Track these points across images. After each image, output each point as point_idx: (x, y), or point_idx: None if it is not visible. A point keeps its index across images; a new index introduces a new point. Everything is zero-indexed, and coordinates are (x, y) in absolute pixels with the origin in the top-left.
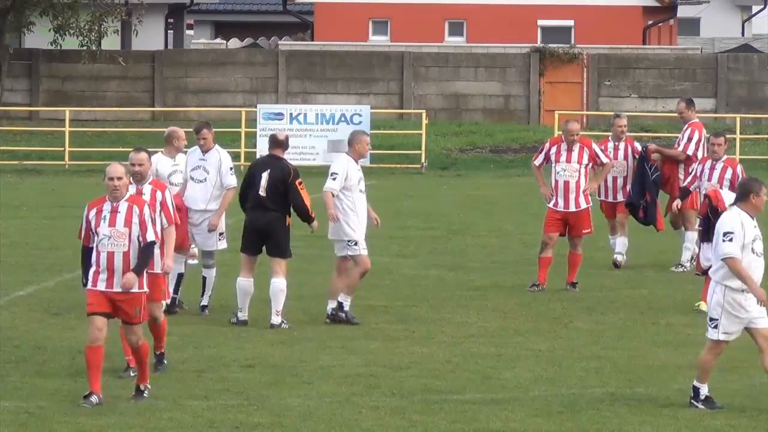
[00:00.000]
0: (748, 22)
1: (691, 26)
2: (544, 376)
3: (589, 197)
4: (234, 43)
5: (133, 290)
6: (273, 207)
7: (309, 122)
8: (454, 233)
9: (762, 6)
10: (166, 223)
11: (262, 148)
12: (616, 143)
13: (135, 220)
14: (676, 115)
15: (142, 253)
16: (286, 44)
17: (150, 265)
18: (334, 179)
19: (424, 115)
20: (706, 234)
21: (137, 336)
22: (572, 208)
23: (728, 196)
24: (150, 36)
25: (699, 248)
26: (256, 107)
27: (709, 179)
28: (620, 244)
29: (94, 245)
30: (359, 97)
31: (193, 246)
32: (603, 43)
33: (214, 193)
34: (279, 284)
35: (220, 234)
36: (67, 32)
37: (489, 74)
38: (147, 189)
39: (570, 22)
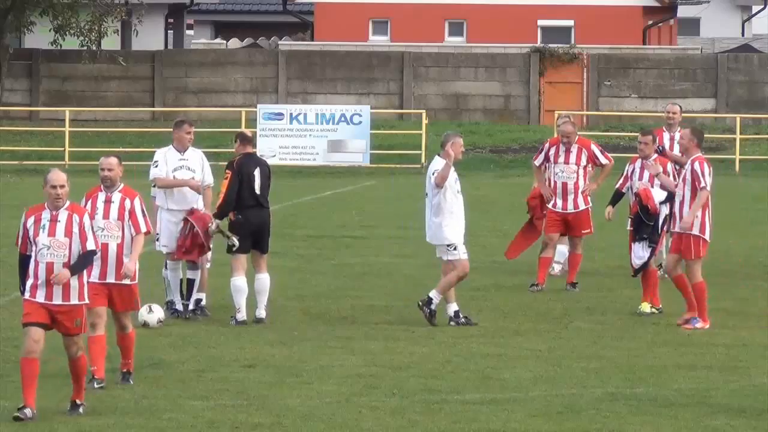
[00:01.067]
0: (748, 22)
1: (691, 26)
2: (544, 376)
3: (588, 198)
4: (234, 43)
5: (72, 302)
6: (267, 204)
7: (309, 122)
8: None
9: (762, 6)
10: (133, 231)
11: (263, 149)
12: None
13: (75, 229)
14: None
15: (81, 258)
16: (286, 44)
17: (118, 276)
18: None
19: (424, 115)
20: (637, 233)
21: (77, 346)
22: (571, 209)
23: (659, 194)
24: (150, 36)
25: (630, 249)
26: (256, 107)
27: (640, 178)
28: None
29: (33, 255)
30: (359, 97)
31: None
32: (603, 43)
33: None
34: (267, 280)
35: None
36: (67, 32)
37: (489, 74)
38: (116, 197)
39: (570, 22)
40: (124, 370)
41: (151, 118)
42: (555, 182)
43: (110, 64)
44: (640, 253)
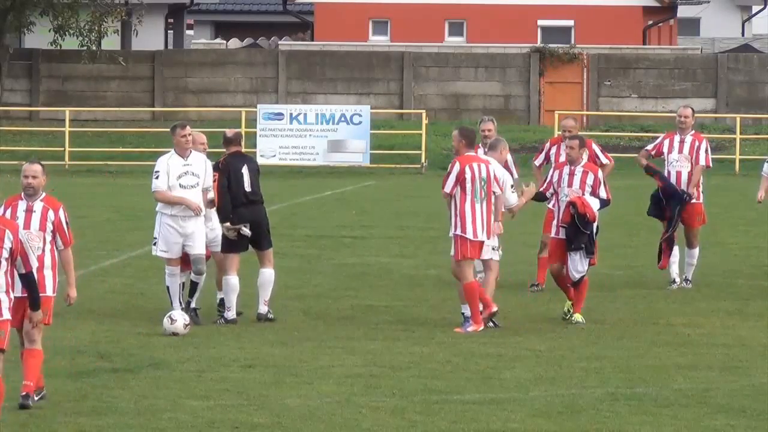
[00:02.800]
0: (748, 22)
1: (691, 26)
2: (544, 376)
3: None
4: (234, 43)
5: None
6: (259, 199)
7: (309, 122)
8: None
9: (762, 6)
10: (62, 245)
11: (263, 149)
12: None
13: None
14: (675, 115)
15: (28, 287)
16: (286, 44)
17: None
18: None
19: (424, 115)
20: (573, 243)
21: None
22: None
23: (594, 202)
24: (150, 36)
25: (550, 256)
26: (256, 107)
27: (570, 185)
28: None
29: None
30: (359, 97)
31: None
32: (603, 43)
33: (202, 196)
34: (270, 275)
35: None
36: (67, 32)
37: (489, 74)
38: (38, 206)
39: (570, 22)
40: (24, 393)
41: (151, 118)
42: None
43: (110, 64)
44: (579, 266)
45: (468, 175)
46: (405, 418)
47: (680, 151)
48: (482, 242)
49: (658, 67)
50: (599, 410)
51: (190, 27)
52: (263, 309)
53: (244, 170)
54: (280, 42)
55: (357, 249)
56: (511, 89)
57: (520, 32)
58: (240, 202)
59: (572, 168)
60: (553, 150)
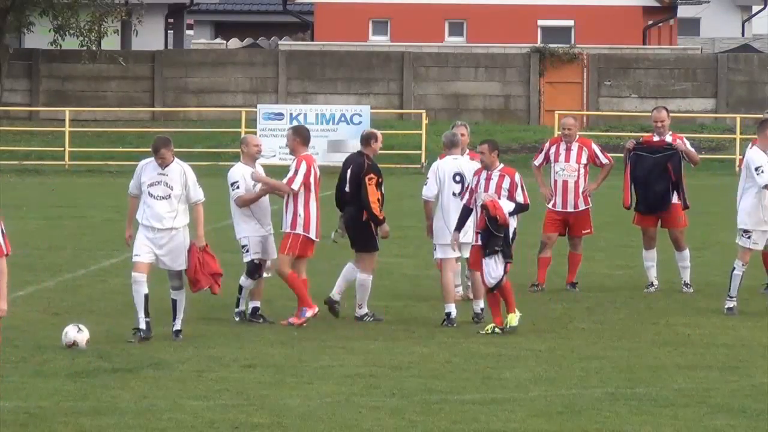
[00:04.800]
0: (748, 22)
1: (691, 26)
2: (544, 376)
3: (589, 198)
4: (234, 43)
5: None
6: (354, 201)
7: (309, 122)
8: None
9: (762, 6)
10: None
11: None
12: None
13: None
14: (676, 115)
15: None
16: (286, 44)
17: None
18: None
19: (424, 115)
20: (487, 247)
21: None
22: (571, 209)
23: (507, 206)
24: (150, 36)
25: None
26: (256, 107)
27: (486, 190)
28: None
29: None
30: (359, 97)
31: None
32: (603, 43)
33: (179, 209)
34: (359, 276)
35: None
36: (67, 32)
37: (489, 74)
38: None
39: (570, 22)
40: None
41: (151, 118)
42: (555, 181)
43: (110, 64)
44: (494, 271)
45: (313, 175)
46: (405, 418)
47: (567, 160)
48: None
49: (658, 67)
50: (599, 410)
51: (190, 27)
52: (358, 312)
53: (348, 170)
54: (280, 42)
55: None
56: (511, 89)
57: (520, 32)
58: (341, 202)
59: (489, 173)
60: (553, 150)
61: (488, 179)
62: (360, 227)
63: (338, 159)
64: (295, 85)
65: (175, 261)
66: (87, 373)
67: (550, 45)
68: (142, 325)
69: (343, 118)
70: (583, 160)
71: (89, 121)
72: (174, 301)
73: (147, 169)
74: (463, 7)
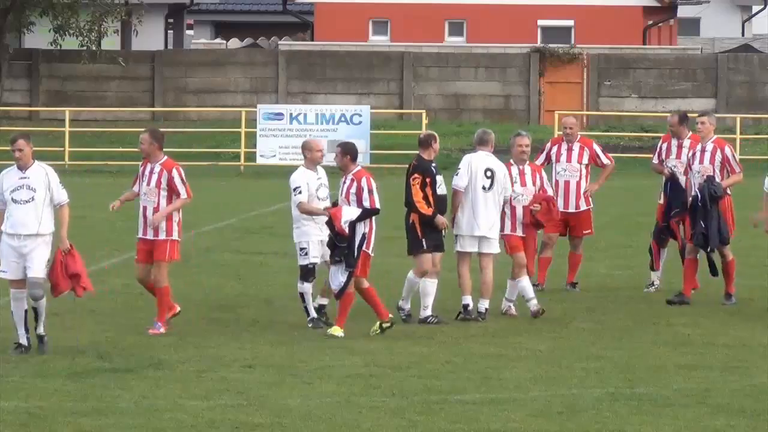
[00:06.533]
0: (748, 22)
1: (691, 26)
2: (544, 376)
3: (590, 199)
4: (234, 43)
5: None
6: (406, 204)
7: (309, 122)
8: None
9: (762, 6)
10: None
11: (262, 149)
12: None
13: None
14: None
15: None
16: (286, 44)
17: None
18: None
19: (424, 115)
20: (332, 256)
21: None
22: (572, 209)
23: (351, 212)
24: (150, 36)
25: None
26: (256, 107)
27: (341, 194)
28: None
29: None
30: (359, 97)
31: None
32: (603, 43)
33: (45, 214)
34: (424, 283)
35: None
36: (67, 32)
37: (489, 74)
38: None
39: (570, 22)
40: None
41: (151, 119)
42: (557, 181)
43: (110, 65)
44: (338, 278)
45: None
46: (405, 418)
47: (569, 160)
48: None
49: (658, 67)
50: (599, 410)
51: (190, 27)
52: (422, 313)
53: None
54: (280, 42)
55: None
56: (511, 89)
57: (520, 32)
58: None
59: (344, 176)
60: (554, 150)
61: (343, 183)
62: (407, 230)
63: None
64: (295, 85)
65: (36, 269)
66: (87, 373)
67: (550, 45)
68: (23, 341)
69: (343, 118)
70: (585, 160)
71: (89, 121)
72: (35, 310)
73: (7, 177)
74: (463, 7)
